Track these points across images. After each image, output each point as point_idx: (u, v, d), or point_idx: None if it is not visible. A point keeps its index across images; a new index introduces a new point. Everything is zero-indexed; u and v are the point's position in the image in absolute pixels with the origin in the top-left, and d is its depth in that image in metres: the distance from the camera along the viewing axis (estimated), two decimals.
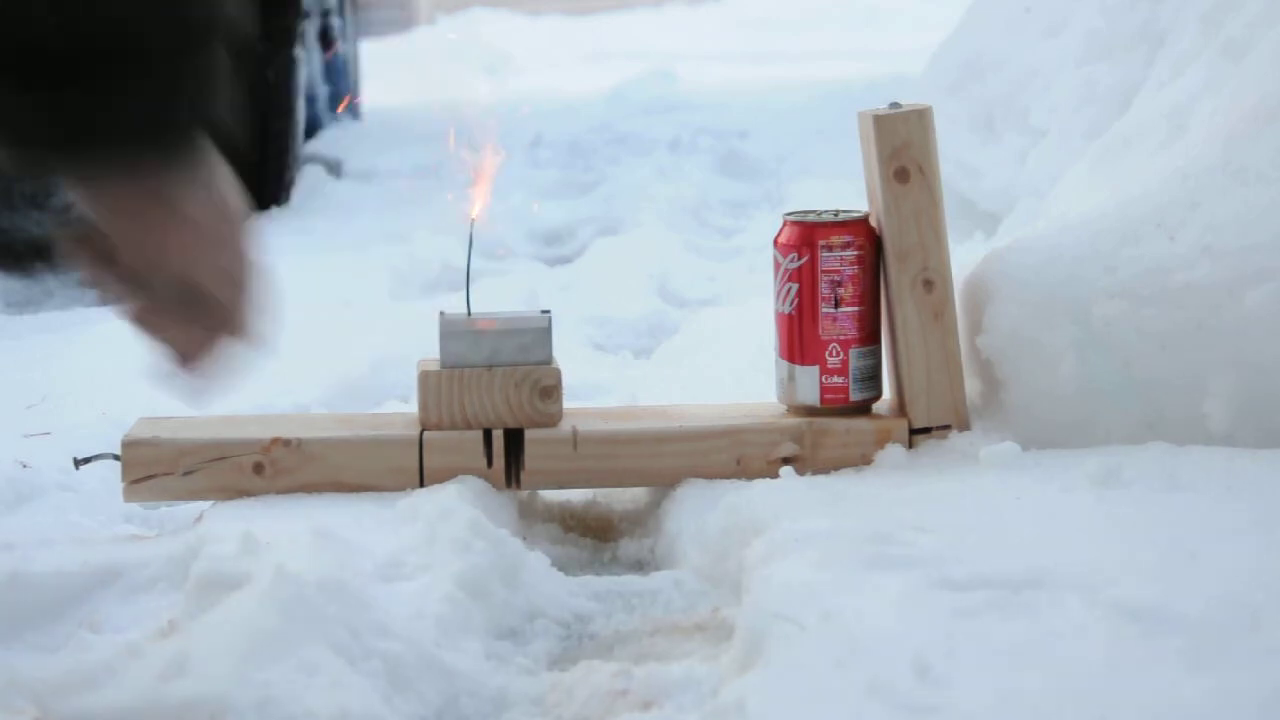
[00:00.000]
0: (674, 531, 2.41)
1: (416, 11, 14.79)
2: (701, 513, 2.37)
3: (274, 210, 5.61)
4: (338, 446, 2.46)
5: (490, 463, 2.47)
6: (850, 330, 2.49)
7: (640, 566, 2.44)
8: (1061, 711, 1.65)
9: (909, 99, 2.58)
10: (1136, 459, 2.31)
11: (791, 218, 2.52)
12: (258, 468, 2.45)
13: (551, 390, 2.47)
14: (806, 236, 2.49)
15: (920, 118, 2.47)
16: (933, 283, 2.47)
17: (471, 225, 2.50)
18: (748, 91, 9.37)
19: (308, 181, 5.86)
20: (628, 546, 2.49)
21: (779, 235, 2.52)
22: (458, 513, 2.27)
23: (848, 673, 1.73)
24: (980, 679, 1.71)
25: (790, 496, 2.34)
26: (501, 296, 3.87)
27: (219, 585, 2.06)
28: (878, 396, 2.53)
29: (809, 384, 2.50)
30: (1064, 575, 1.92)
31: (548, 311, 2.51)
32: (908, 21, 13.00)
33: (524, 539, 2.37)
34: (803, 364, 2.50)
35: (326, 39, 7.65)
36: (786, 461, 2.47)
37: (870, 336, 2.51)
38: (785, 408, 2.54)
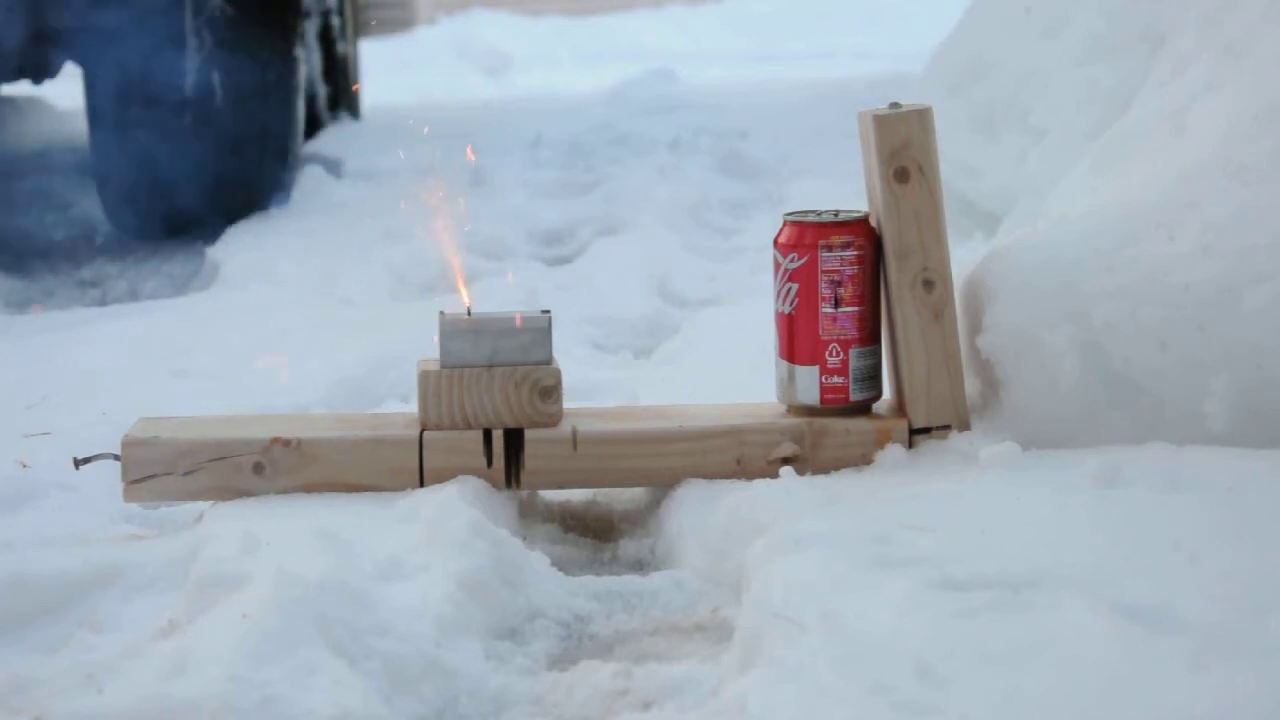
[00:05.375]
0: (674, 531, 2.41)
1: (416, 11, 14.79)
2: (702, 513, 2.37)
3: (274, 210, 5.59)
4: (338, 446, 2.46)
5: (490, 463, 2.47)
6: (850, 330, 2.49)
7: (640, 566, 2.44)
8: (1062, 711, 1.65)
9: (909, 99, 2.58)
10: (1136, 459, 2.31)
11: (791, 218, 2.52)
12: (258, 468, 2.45)
13: (551, 390, 2.47)
14: (806, 236, 2.49)
15: (920, 118, 2.47)
16: (933, 283, 2.47)
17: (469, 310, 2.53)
18: (748, 91, 9.35)
19: (308, 181, 5.84)
20: (628, 546, 2.49)
21: (779, 235, 2.52)
22: (458, 513, 2.27)
23: (848, 672, 1.73)
24: (981, 679, 1.71)
25: (790, 496, 2.34)
26: (501, 296, 3.86)
27: (219, 585, 2.06)
28: (878, 396, 2.53)
29: (809, 384, 2.50)
30: (1064, 575, 1.92)
31: (548, 311, 2.51)
32: (908, 21, 12.99)
33: (524, 539, 2.37)
34: (803, 364, 2.50)
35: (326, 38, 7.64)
36: (786, 461, 2.47)
37: (870, 336, 2.51)
38: (785, 408, 2.54)
